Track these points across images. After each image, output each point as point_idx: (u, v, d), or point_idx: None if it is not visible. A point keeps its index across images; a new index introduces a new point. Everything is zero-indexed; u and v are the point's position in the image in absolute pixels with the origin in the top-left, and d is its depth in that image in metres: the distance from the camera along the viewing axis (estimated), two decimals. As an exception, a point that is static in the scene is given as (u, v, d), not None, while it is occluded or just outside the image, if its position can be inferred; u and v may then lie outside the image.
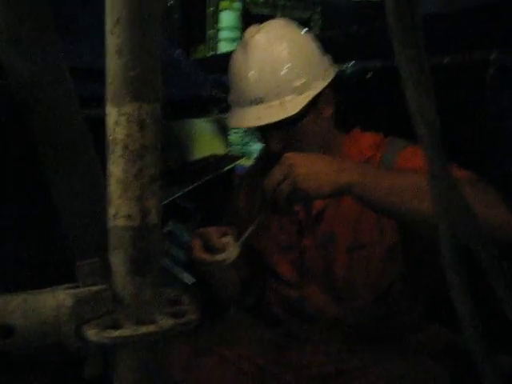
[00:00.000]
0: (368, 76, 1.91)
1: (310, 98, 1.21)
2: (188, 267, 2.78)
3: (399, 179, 0.99)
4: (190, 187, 2.36)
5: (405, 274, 1.24)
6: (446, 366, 1.19)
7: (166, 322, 0.52)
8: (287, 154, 1.05)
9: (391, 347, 1.24)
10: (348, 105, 1.42)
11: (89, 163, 0.61)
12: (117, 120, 0.51)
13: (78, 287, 0.53)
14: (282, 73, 1.21)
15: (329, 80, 1.25)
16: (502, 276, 0.41)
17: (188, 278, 2.68)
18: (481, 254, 0.41)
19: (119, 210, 0.52)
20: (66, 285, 0.53)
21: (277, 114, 1.20)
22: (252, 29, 1.26)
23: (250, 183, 1.44)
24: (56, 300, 0.51)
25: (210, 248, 1.18)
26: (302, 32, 1.28)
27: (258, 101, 1.23)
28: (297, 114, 1.20)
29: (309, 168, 1.01)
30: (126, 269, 0.52)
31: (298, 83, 1.21)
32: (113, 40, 0.50)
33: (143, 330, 0.51)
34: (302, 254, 1.29)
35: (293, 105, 1.20)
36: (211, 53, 8.01)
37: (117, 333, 0.50)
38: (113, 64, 0.50)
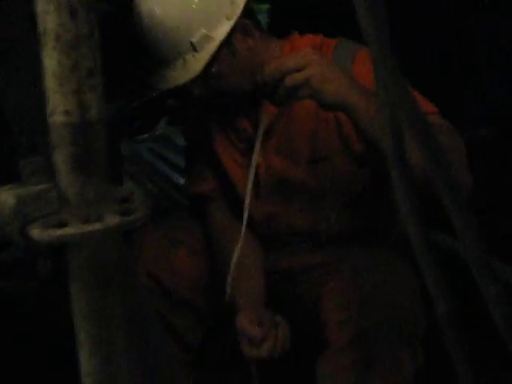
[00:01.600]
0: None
1: (212, 52, 1.11)
2: (180, 169, 2.78)
3: None
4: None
5: (376, 179, 1.22)
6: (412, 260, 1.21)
7: (112, 220, 0.51)
8: (309, 50, 1.04)
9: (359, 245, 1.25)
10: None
11: (29, 53, 0.58)
12: (46, 8, 0.47)
13: (21, 187, 0.52)
14: (175, 30, 1.11)
15: (236, 17, 1.12)
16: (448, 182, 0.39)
17: (181, 180, 2.68)
18: (427, 155, 0.39)
19: (57, 105, 0.49)
20: (9, 185, 0.52)
21: (180, 77, 1.13)
22: None
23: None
24: (-2, 200, 0.50)
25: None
26: None
27: (157, 59, 1.16)
28: (202, 70, 1.11)
29: (327, 71, 0.98)
30: (69, 167, 0.51)
31: (196, 37, 1.11)
32: None
33: (89, 228, 0.50)
34: (256, 172, 1.25)
35: (194, 64, 1.12)
36: None
37: (61, 231, 0.50)
38: None
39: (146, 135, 2.94)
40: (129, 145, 2.97)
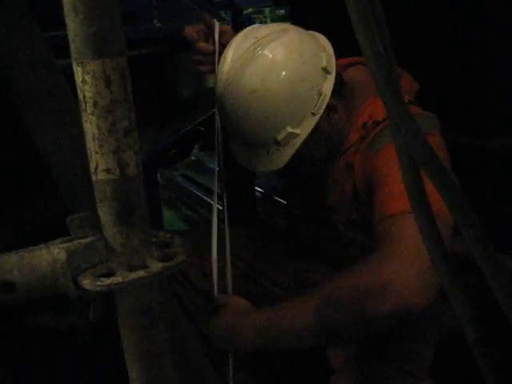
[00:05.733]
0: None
1: (297, 147, 1.14)
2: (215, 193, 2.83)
3: (286, 323, 1.04)
4: (208, 114, 2.37)
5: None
6: None
7: (155, 266, 0.55)
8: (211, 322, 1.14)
9: None
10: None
11: (71, 115, 0.63)
12: (83, 78, 0.52)
13: (70, 240, 0.56)
14: (260, 126, 1.12)
15: (322, 110, 1.13)
16: (459, 200, 0.42)
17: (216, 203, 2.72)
18: (438, 182, 0.42)
19: (98, 164, 0.54)
20: (59, 239, 0.56)
21: (264, 165, 1.18)
22: (224, 69, 1.14)
23: None
24: (51, 255, 0.54)
25: None
26: (287, 52, 1.11)
27: (246, 144, 1.18)
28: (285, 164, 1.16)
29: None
30: (113, 220, 0.55)
31: (280, 137, 1.12)
32: (67, -2, 0.50)
33: (134, 275, 0.54)
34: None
35: (279, 157, 1.15)
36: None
37: (109, 280, 0.54)
38: (71, 22, 0.50)
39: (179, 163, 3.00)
40: (164, 173, 3.05)
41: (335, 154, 1.25)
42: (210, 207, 2.80)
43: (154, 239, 0.59)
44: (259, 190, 2.40)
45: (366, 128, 1.19)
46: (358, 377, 1.10)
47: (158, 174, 2.95)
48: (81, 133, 0.55)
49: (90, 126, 0.53)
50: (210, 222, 1.35)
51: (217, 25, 1.24)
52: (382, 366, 1.10)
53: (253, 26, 1.22)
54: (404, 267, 0.96)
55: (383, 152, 1.12)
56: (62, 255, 0.54)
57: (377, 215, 1.07)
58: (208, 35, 1.25)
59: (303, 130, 1.13)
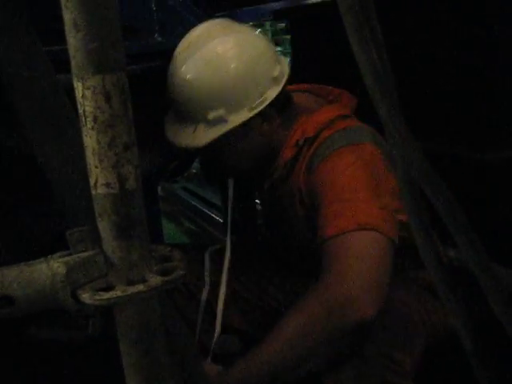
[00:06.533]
0: None
1: (221, 133, 1.16)
2: (215, 206, 2.84)
3: (266, 365, 1.04)
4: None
5: None
6: None
7: (154, 280, 0.55)
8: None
9: None
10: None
11: (72, 131, 0.63)
12: (83, 93, 0.52)
13: (70, 255, 0.56)
14: (197, 99, 1.15)
15: (257, 110, 1.17)
16: (456, 214, 0.42)
17: (216, 216, 2.73)
18: (435, 195, 0.42)
19: (98, 179, 0.54)
20: (59, 253, 0.56)
21: (185, 141, 1.19)
22: (190, 36, 1.20)
23: None
24: (50, 269, 0.55)
25: None
26: (249, 44, 1.19)
27: (178, 115, 1.21)
28: (205, 145, 1.17)
29: None
30: (113, 234, 0.55)
31: (211, 115, 1.15)
32: (68, 15, 0.50)
33: (133, 289, 0.54)
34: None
35: (202, 136, 1.17)
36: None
37: (108, 294, 0.54)
38: (72, 39, 0.51)
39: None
40: (164, 186, 3.06)
41: (266, 171, 1.28)
42: (211, 220, 2.80)
43: (153, 253, 0.59)
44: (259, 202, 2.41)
45: (299, 145, 1.23)
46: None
47: (159, 187, 2.96)
48: (81, 147, 0.56)
49: (90, 140, 0.53)
50: (211, 237, 1.37)
51: None
52: (363, 376, 1.09)
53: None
54: (353, 284, 1.02)
55: (319, 169, 1.17)
56: (62, 269, 0.54)
57: (318, 238, 1.12)
58: None
59: (233, 120, 1.16)
